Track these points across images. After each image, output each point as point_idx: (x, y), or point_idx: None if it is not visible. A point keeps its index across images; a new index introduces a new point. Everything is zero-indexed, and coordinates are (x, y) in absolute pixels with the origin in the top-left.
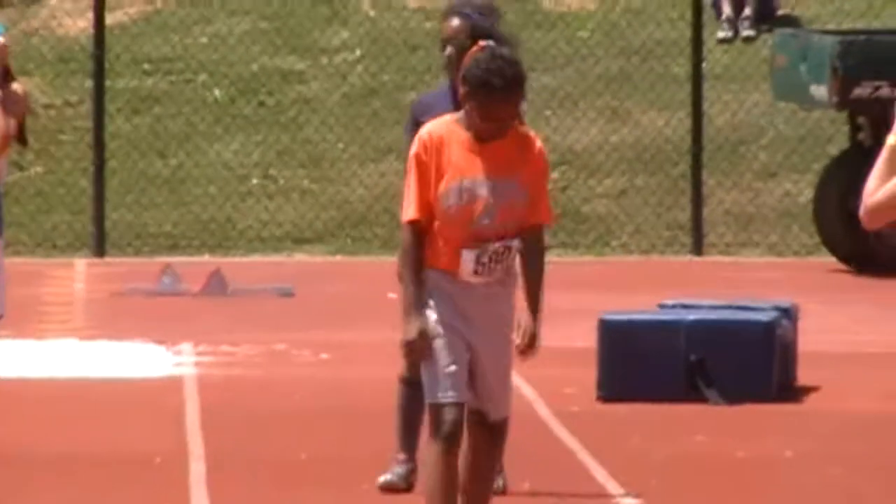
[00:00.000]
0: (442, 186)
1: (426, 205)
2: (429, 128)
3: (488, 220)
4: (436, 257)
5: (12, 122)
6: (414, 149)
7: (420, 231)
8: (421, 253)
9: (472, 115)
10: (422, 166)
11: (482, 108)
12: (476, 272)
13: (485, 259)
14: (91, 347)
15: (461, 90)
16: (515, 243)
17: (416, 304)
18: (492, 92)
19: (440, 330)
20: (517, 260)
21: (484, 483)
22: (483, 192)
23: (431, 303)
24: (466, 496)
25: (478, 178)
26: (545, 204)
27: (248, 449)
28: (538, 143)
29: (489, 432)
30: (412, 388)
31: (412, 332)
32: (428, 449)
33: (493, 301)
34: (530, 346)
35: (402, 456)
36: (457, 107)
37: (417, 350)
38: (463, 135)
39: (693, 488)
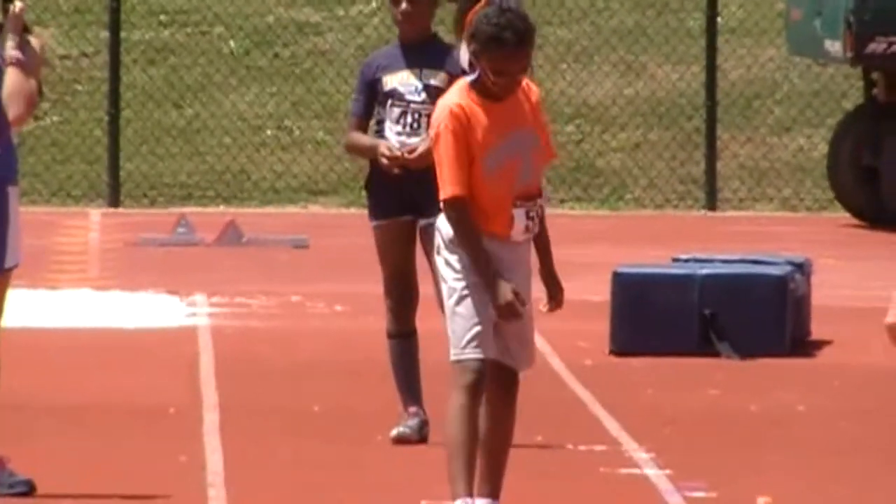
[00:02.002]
0: (482, 153)
1: (466, 178)
2: (453, 99)
3: (528, 174)
4: (486, 223)
5: (33, 83)
6: (446, 122)
7: (466, 204)
8: (473, 222)
9: (485, 72)
10: (457, 139)
11: (496, 63)
12: (527, 229)
13: (532, 214)
14: (105, 297)
15: (470, 47)
16: (542, 198)
17: (490, 271)
18: (504, 46)
19: (468, 290)
20: None
21: (505, 435)
22: (515, 148)
23: (462, 264)
24: (487, 449)
25: (508, 136)
26: (549, 142)
27: (261, 400)
28: (530, 86)
29: (510, 383)
30: (402, 340)
31: (506, 295)
32: (450, 402)
33: (521, 256)
34: (562, 296)
35: (411, 409)
36: (408, 64)
37: (515, 309)
38: (481, 99)
39: (705, 442)
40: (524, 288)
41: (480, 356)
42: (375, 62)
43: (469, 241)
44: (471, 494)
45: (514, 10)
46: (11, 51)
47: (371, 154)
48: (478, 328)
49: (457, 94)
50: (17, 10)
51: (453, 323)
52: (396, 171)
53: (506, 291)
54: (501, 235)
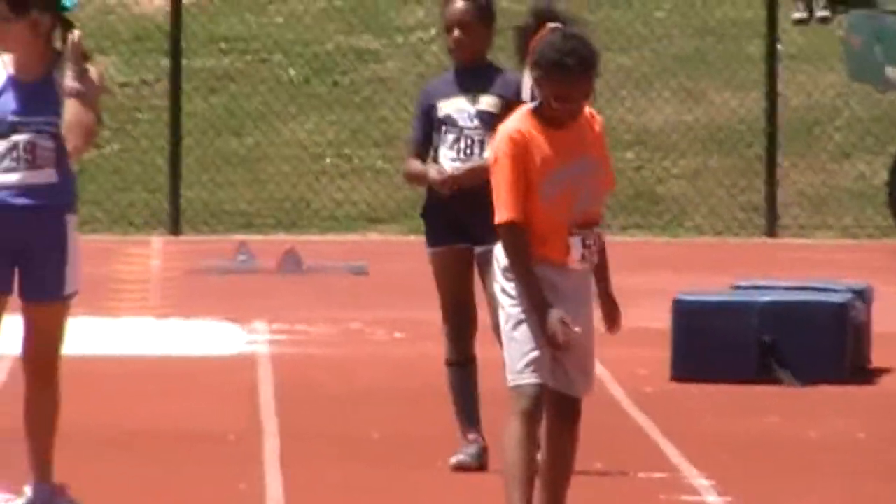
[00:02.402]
0: (539, 179)
1: (522, 203)
2: (513, 125)
3: (587, 202)
4: (542, 249)
5: (92, 115)
6: (504, 148)
7: (521, 229)
8: (528, 249)
9: (547, 99)
10: (515, 164)
11: (559, 89)
12: (583, 258)
13: (589, 243)
14: (166, 325)
15: (533, 74)
16: (601, 227)
17: (541, 298)
18: (568, 73)
19: (525, 315)
20: None
21: (566, 466)
22: (576, 176)
23: (519, 287)
24: (547, 479)
25: (567, 163)
26: (611, 171)
27: (321, 427)
28: (594, 115)
29: (570, 411)
30: (460, 367)
31: (553, 324)
32: (507, 428)
33: (580, 284)
34: (620, 319)
35: (471, 436)
36: (462, 90)
37: (563, 338)
38: (542, 125)
39: (765, 469)
40: (581, 316)
41: (537, 381)
42: (431, 89)
43: (521, 266)
44: None
45: (579, 36)
46: (71, 81)
47: (425, 181)
48: (534, 354)
49: (517, 120)
50: (75, 38)
51: (510, 349)
52: (447, 191)
53: (553, 320)
54: (557, 262)
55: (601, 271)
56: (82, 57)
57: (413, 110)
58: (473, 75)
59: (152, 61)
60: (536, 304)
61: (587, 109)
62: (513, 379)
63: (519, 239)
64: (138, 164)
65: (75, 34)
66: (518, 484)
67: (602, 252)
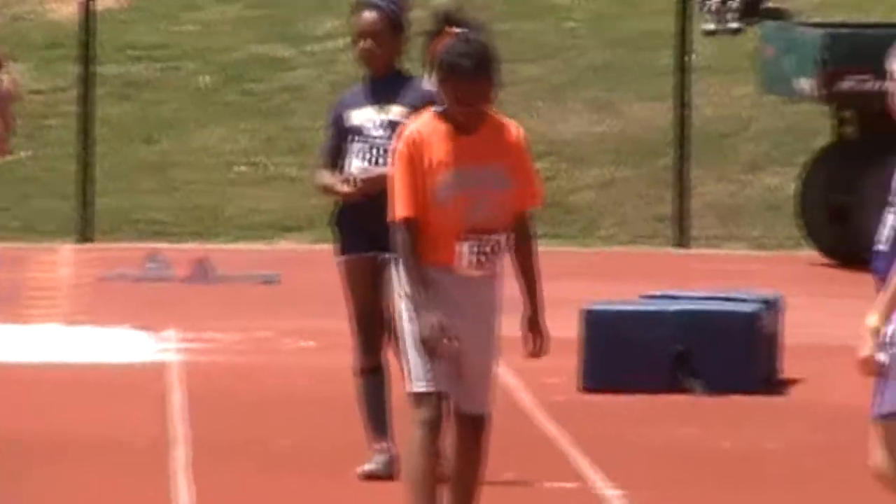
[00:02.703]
0: (433, 181)
1: (417, 202)
2: (414, 127)
3: (481, 209)
4: (430, 252)
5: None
6: (401, 149)
7: (414, 228)
8: (417, 249)
9: (448, 101)
10: (410, 164)
11: (456, 92)
12: (472, 264)
13: (483, 250)
14: (76, 332)
15: (436, 78)
16: (506, 237)
17: (425, 300)
18: (463, 74)
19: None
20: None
21: (473, 475)
22: (473, 182)
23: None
24: (455, 487)
25: (466, 168)
26: (532, 187)
27: (231, 435)
28: (515, 127)
29: (470, 425)
30: (369, 376)
31: (426, 329)
32: (409, 436)
33: (480, 294)
34: (543, 347)
35: (379, 445)
36: (372, 100)
37: (436, 344)
38: (445, 128)
39: (677, 479)
40: (479, 328)
41: (434, 389)
42: (342, 100)
43: (408, 264)
44: None
45: (478, 39)
46: None
47: (333, 191)
48: (437, 364)
49: (419, 122)
50: None
51: (408, 356)
52: (352, 196)
53: (428, 324)
54: (447, 267)
55: (528, 290)
56: None
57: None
58: (383, 85)
59: (64, 68)
60: (418, 303)
61: (508, 122)
62: (412, 386)
63: (409, 236)
64: (49, 172)
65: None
66: (420, 490)
67: (528, 272)
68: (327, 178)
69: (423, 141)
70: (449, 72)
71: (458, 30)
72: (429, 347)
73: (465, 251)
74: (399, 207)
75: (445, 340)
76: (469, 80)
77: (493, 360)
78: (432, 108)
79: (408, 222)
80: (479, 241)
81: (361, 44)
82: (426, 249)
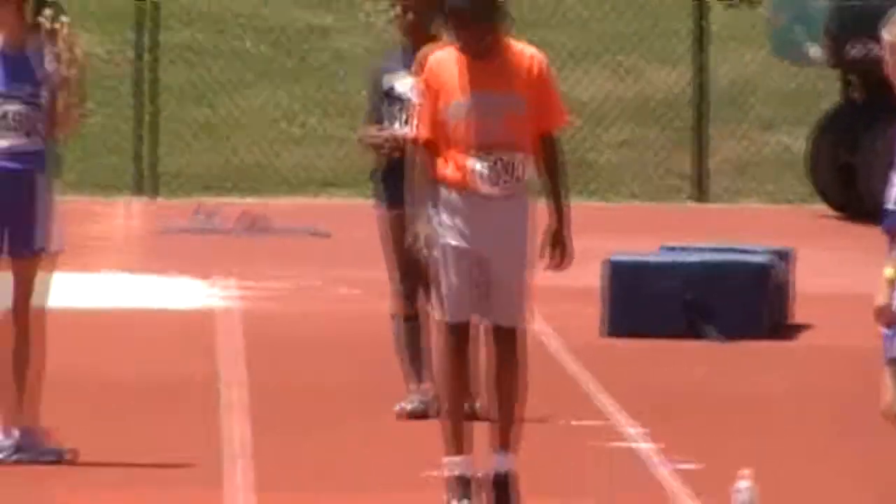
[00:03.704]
0: (448, 103)
1: (435, 124)
2: (433, 55)
3: (494, 130)
4: (448, 171)
5: (78, 100)
6: (422, 73)
7: (431, 148)
8: (433, 167)
9: (455, 35)
10: (428, 89)
11: (455, 32)
12: (487, 181)
13: (496, 167)
14: (137, 280)
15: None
16: (522, 156)
17: (422, 208)
18: (458, 16)
19: (447, 246)
20: (530, 172)
21: (510, 390)
22: (485, 104)
23: (443, 219)
24: (497, 402)
25: (480, 92)
26: (555, 108)
27: (282, 376)
28: (531, 52)
29: (503, 337)
30: (406, 323)
31: (411, 234)
32: (437, 362)
33: (505, 213)
34: (565, 261)
35: (414, 386)
36: (405, 64)
37: (416, 245)
38: (461, 56)
39: (693, 418)
40: (504, 246)
41: (458, 319)
42: (379, 64)
43: (420, 179)
44: (459, 453)
45: None
46: (63, 70)
47: (375, 147)
48: (455, 287)
49: (443, 50)
50: (65, 29)
51: (436, 288)
52: (387, 152)
53: (413, 230)
54: (464, 186)
55: (554, 206)
56: (71, 46)
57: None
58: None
59: (123, 36)
60: (416, 211)
61: (529, 51)
62: (439, 315)
63: (427, 155)
64: (112, 132)
65: (65, 24)
66: (449, 416)
67: (553, 188)
68: (371, 134)
69: (440, 68)
70: (449, 15)
71: None
72: (414, 245)
73: (476, 168)
74: (418, 129)
75: (423, 250)
76: (465, 22)
77: (522, 277)
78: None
79: (423, 142)
80: (492, 159)
81: (405, 16)
82: (444, 169)
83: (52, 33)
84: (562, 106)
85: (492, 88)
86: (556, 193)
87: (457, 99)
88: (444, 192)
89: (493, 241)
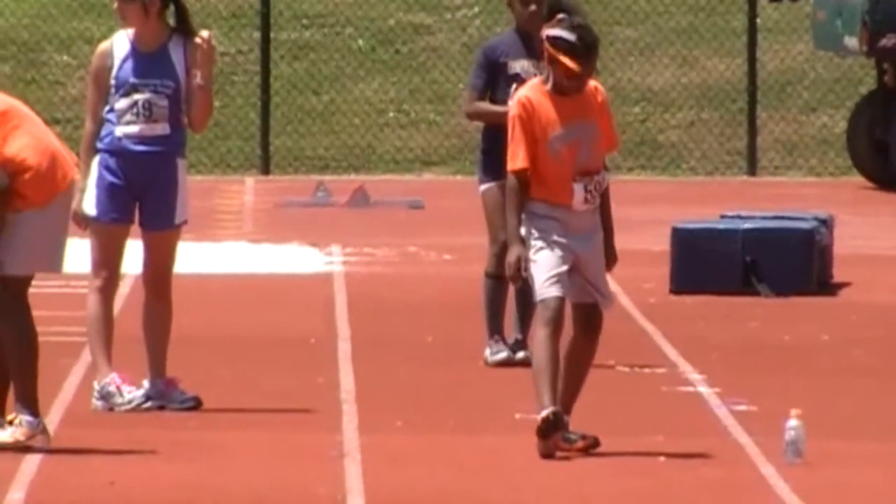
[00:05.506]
0: (546, 137)
1: (529, 155)
2: (523, 93)
3: (586, 156)
4: (549, 193)
5: (212, 104)
6: (514, 111)
7: (525, 177)
8: (524, 194)
9: (558, 74)
10: (524, 125)
11: (569, 69)
12: (585, 200)
13: (591, 188)
14: (257, 249)
15: (550, 51)
16: (603, 176)
17: (517, 234)
18: (577, 56)
19: (546, 244)
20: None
21: (583, 367)
22: (577, 135)
23: (540, 226)
24: (567, 381)
25: (571, 125)
26: (613, 136)
27: (384, 332)
28: (595, 85)
29: (590, 312)
30: (496, 280)
31: (513, 256)
32: (535, 336)
33: (587, 221)
34: (613, 265)
35: (497, 337)
36: (530, 53)
37: (514, 269)
38: (550, 93)
39: (747, 365)
40: (591, 243)
41: (557, 294)
42: (500, 48)
43: (513, 204)
44: (553, 405)
45: (585, 25)
46: (199, 80)
47: (498, 118)
48: (555, 271)
49: (528, 88)
50: (208, 41)
51: (534, 271)
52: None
53: (512, 255)
54: (565, 204)
55: (606, 228)
56: (210, 56)
57: (471, 66)
58: (537, 43)
59: (246, 34)
60: (511, 237)
61: (595, 84)
62: (538, 295)
63: (520, 183)
64: (235, 118)
65: (207, 36)
66: (544, 379)
67: (606, 208)
68: (490, 107)
69: (532, 105)
70: (565, 52)
71: (562, 15)
72: (510, 269)
73: (578, 190)
74: (514, 161)
75: (522, 272)
76: (582, 61)
77: (603, 266)
78: (538, 78)
79: (521, 173)
80: (587, 181)
81: (530, 7)
82: (547, 192)
83: (194, 44)
84: (616, 133)
85: (578, 120)
86: (605, 213)
87: (555, 132)
88: (544, 206)
89: (583, 243)
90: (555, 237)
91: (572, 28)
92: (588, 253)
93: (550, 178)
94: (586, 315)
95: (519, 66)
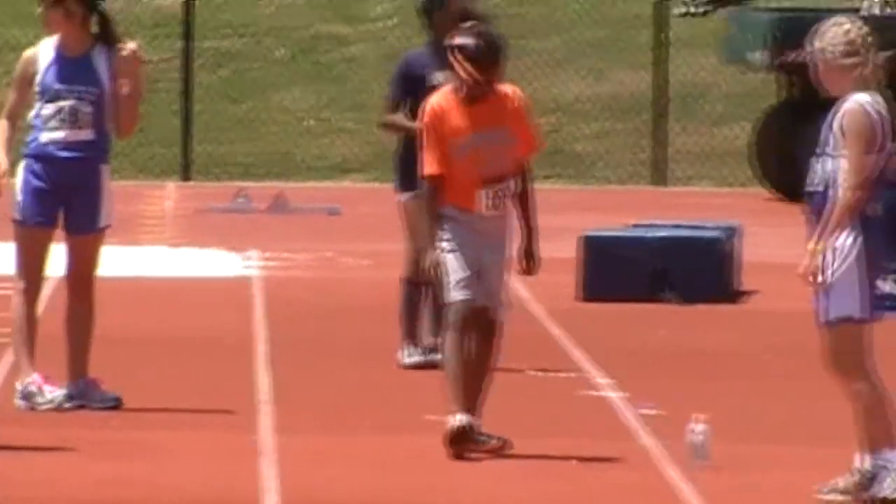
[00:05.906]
0: (453, 144)
1: (440, 161)
2: (434, 100)
3: (492, 163)
4: (457, 198)
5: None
6: (425, 119)
7: (437, 182)
8: (438, 199)
9: (465, 80)
10: (433, 132)
11: (474, 75)
12: (489, 206)
13: (497, 194)
14: (178, 253)
15: (454, 59)
16: (513, 182)
17: (432, 236)
18: (479, 63)
19: (454, 248)
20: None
21: (484, 370)
22: (484, 142)
23: (448, 230)
24: (472, 383)
25: (478, 132)
26: (531, 138)
27: (302, 334)
28: (511, 90)
29: (489, 326)
30: (412, 286)
31: (427, 261)
32: (446, 340)
33: (495, 228)
34: (535, 268)
35: (411, 340)
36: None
37: (431, 273)
38: (459, 101)
39: (656, 370)
40: (494, 252)
41: (464, 297)
42: (420, 61)
43: (428, 209)
44: (465, 412)
45: (490, 32)
46: (126, 88)
47: (407, 132)
48: (462, 275)
49: (439, 95)
50: (134, 52)
51: (443, 274)
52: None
53: (426, 260)
54: (473, 210)
55: (525, 224)
56: (137, 67)
57: (389, 77)
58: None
59: (169, 43)
60: (430, 240)
61: (508, 88)
62: (446, 297)
63: (433, 189)
64: (157, 126)
65: (134, 47)
66: (456, 381)
67: (525, 210)
68: (403, 120)
69: (441, 112)
70: (470, 58)
71: (471, 22)
72: (427, 274)
73: (483, 197)
74: (427, 166)
75: (435, 274)
76: (487, 67)
77: (504, 273)
78: (448, 85)
79: (433, 178)
80: (494, 188)
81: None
82: (455, 197)
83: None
84: (536, 135)
85: (488, 127)
86: (527, 217)
87: (461, 139)
88: (451, 210)
89: (487, 248)
90: (463, 241)
91: (475, 35)
92: (492, 261)
93: (457, 183)
94: (485, 319)
95: (440, 77)
